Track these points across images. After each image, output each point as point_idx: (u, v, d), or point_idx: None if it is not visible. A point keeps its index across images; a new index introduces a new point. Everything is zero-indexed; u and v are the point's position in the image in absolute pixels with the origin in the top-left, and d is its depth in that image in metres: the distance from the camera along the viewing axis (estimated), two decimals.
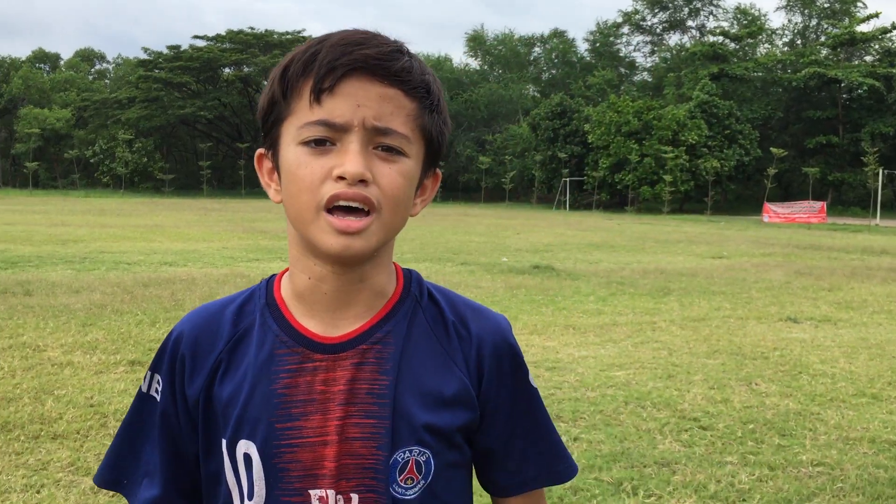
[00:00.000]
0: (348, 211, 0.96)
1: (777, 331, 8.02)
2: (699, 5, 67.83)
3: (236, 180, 67.40)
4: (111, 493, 3.57)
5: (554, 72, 73.16)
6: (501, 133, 62.64)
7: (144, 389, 1.12)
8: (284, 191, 1.01)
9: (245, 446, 1.02)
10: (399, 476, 1.03)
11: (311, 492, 1.01)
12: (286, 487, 1.01)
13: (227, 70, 66.78)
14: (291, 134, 0.98)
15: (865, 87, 49.18)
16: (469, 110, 63.56)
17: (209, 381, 1.06)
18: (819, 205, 38.27)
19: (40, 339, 6.70)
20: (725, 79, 54.09)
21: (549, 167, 55.06)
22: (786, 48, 63.25)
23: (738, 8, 65.64)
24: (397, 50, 0.98)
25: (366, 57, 0.95)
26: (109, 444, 1.17)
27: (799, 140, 53.67)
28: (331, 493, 1.01)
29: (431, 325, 1.09)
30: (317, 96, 0.95)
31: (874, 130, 48.95)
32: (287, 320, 1.06)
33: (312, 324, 1.05)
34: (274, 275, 1.13)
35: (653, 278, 12.07)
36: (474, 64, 74.58)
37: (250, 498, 1.03)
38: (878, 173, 38.78)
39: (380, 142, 0.96)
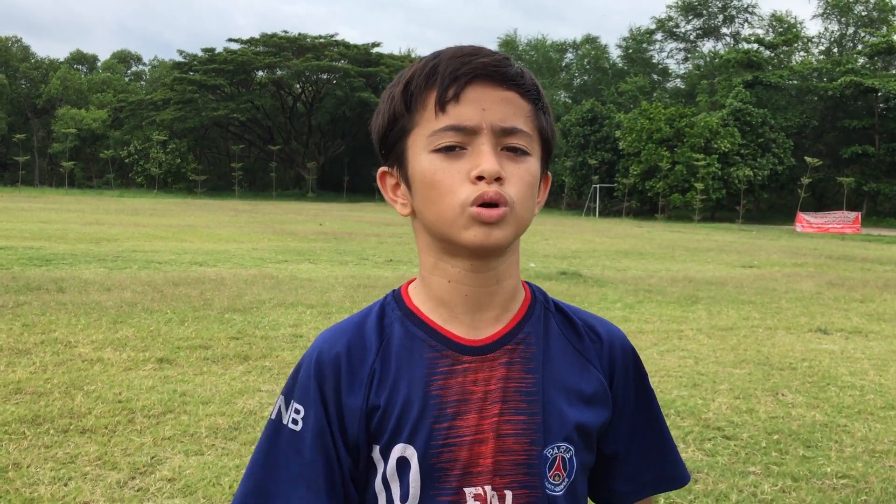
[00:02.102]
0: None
1: (806, 341, 7.93)
2: (734, 13, 67.22)
3: (267, 182, 67.95)
4: (137, 488, 3.64)
5: (586, 78, 72.85)
6: None
7: (284, 421, 1.09)
8: (421, 198, 1.05)
9: (402, 450, 1.05)
10: (548, 472, 1.07)
11: (467, 490, 1.04)
12: (443, 487, 1.04)
13: (260, 73, 67.34)
14: (420, 144, 1.03)
15: None
16: None
17: (367, 391, 1.08)
18: (853, 215, 37.69)
19: (72, 335, 6.82)
20: (760, 86, 53.52)
21: (579, 173, 54.83)
22: (822, 56, 62.42)
23: (773, 15, 64.95)
24: (506, 58, 1.05)
25: (484, 65, 1.01)
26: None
27: (834, 149, 52.95)
28: (487, 488, 1.04)
29: (563, 328, 1.15)
30: (442, 106, 1.01)
31: None
32: (431, 326, 1.10)
33: (454, 328, 1.09)
34: (396, 289, 1.16)
35: (681, 286, 11.98)
36: None
37: (404, 500, 1.05)
38: None
39: (507, 143, 1.02)
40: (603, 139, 53.81)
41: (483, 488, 1.04)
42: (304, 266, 13.22)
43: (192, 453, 4.14)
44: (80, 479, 3.75)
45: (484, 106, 1.00)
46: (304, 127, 71.40)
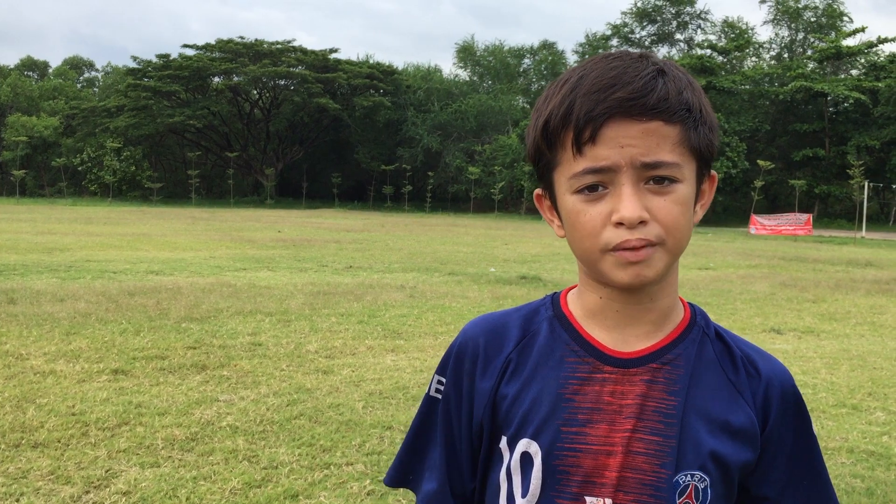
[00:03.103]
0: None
1: (760, 341, 8.07)
2: (687, 19, 68.26)
3: (225, 189, 67.21)
4: (92, 502, 3.58)
5: (543, 83, 73.35)
6: (491, 144, 62.75)
7: (430, 392, 1.19)
8: (568, 234, 1.05)
9: (526, 445, 1.06)
10: (678, 499, 1.03)
11: (588, 499, 1.03)
12: (563, 490, 1.04)
13: (216, 79, 66.59)
14: (564, 184, 1.02)
15: (851, 101, 49.58)
16: (459, 121, 63.67)
17: (499, 379, 1.11)
18: (805, 217, 38.46)
19: (23, 347, 6.68)
20: (713, 91, 54.37)
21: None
22: (773, 61, 63.68)
23: (725, 21, 66.09)
24: (651, 77, 0.97)
25: (620, 101, 0.95)
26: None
27: (786, 152, 54.01)
28: (608, 501, 1.03)
29: (719, 356, 1.11)
30: (579, 148, 0.98)
31: (860, 143, 49.29)
32: (577, 331, 1.10)
33: (602, 337, 1.09)
34: (557, 292, 1.18)
35: None
36: (464, 75, 74.77)
37: (523, 496, 1.06)
38: (863, 186, 39.01)
39: (651, 175, 0.97)
40: None
41: (604, 500, 1.03)
42: (263, 274, 13.11)
43: (147, 465, 4.08)
44: (32, 495, 3.67)
45: (622, 143, 0.96)
46: (262, 133, 70.80)
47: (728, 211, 54.30)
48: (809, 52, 59.91)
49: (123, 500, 3.66)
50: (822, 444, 4.76)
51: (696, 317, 1.13)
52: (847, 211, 48.84)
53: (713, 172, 1.09)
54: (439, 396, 1.17)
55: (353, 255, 17.30)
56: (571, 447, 1.04)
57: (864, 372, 6.82)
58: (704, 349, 1.10)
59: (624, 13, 70.52)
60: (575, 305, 1.13)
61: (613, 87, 0.96)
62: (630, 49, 1.07)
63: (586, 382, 1.06)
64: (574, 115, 0.97)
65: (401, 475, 1.21)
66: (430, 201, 61.65)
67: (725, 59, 59.94)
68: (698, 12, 67.66)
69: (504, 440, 1.09)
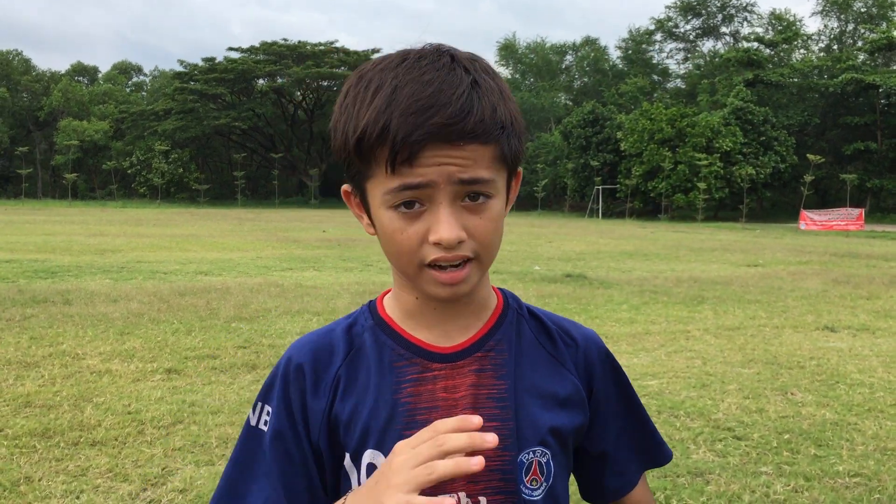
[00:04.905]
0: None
1: (814, 340, 7.91)
2: (733, 12, 67.27)
3: (270, 190, 68.04)
4: (149, 499, 3.64)
5: (586, 80, 72.96)
6: (534, 141, 62.56)
7: (253, 423, 1.12)
8: (384, 245, 1.04)
9: (371, 456, 1.05)
10: (525, 477, 1.07)
11: (443, 497, 1.02)
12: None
13: (260, 81, 67.48)
14: (378, 198, 1.00)
15: None
16: None
17: (332, 397, 1.08)
18: (857, 212, 37.64)
19: (79, 347, 6.83)
20: (760, 85, 53.52)
21: (581, 175, 54.85)
22: (822, 53, 62.44)
23: (772, 13, 64.98)
24: (467, 96, 0.95)
25: (439, 127, 0.93)
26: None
27: (836, 146, 52.92)
28: (462, 495, 1.04)
29: (536, 333, 1.15)
30: (394, 169, 0.95)
31: None
32: (400, 334, 1.10)
33: (425, 336, 1.10)
34: (372, 300, 1.18)
35: (686, 287, 11.97)
36: (506, 72, 74.59)
37: None
38: None
39: (467, 191, 0.97)
40: (604, 141, 53.82)
41: (458, 495, 1.04)
42: (309, 273, 13.23)
43: (202, 464, 4.15)
44: (91, 492, 3.75)
45: (440, 161, 0.94)
46: (306, 134, 71.50)
47: (777, 206, 53.40)
48: (860, 44, 58.57)
49: (180, 497, 3.72)
50: (881, 444, 4.66)
51: (508, 300, 1.16)
52: None
53: (518, 169, 1.09)
54: (265, 428, 1.09)
55: None
56: None
57: None
58: (522, 329, 1.14)
59: (668, 7, 69.65)
60: (393, 309, 1.13)
61: (431, 108, 0.93)
62: (431, 42, 1.02)
63: (418, 383, 1.07)
64: (391, 136, 0.93)
65: None
66: None
67: (773, 52, 58.92)
68: (744, 4, 66.70)
69: (347, 457, 1.07)
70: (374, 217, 1.03)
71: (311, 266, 14.48)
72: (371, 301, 1.17)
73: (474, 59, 1.02)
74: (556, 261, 16.55)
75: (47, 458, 4.17)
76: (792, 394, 5.76)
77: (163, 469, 4.05)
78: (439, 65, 0.97)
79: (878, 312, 9.83)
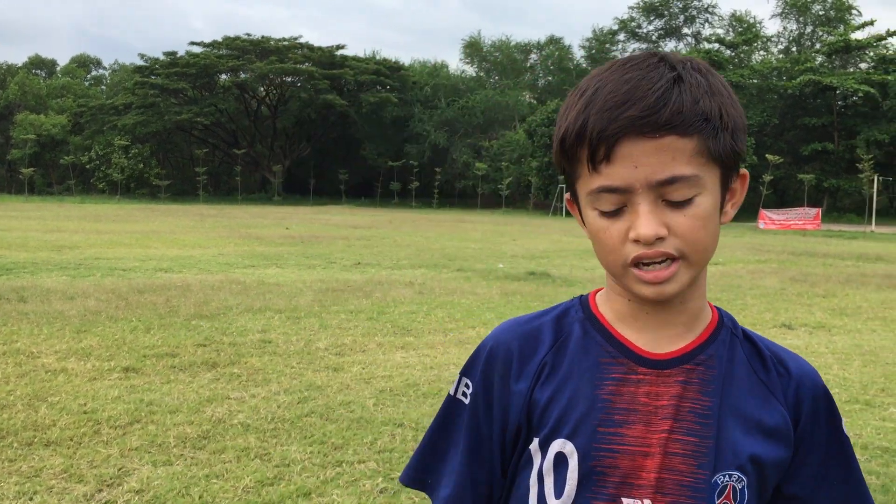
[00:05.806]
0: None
1: (771, 337, 7.97)
2: (694, 13, 68.06)
3: (233, 186, 67.34)
4: (105, 500, 3.58)
5: (550, 78, 73.26)
6: (498, 139, 62.72)
7: (452, 393, 1.18)
8: (593, 245, 1.06)
9: (560, 445, 1.06)
10: (717, 499, 1.04)
11: (625, 500, 1.03)
12: (599, 491, 1.04)
13: (223, 76, 66.69)
14: (584, 198, 1.03)
15: (860, 94, 49.39)
16: (465, 116, 63.62)
17: (534, 382, 1.10)
18: (814, 211, 38.30)
19: (34, 345, 6.70)
20: None
21: (545, 173, 55.11)
22: (781, 55, 63.44)
23: (733, 15, 65.91)
24: (666, 89, 0.96)
25: (632, 120, 0.94)
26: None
27: (794, 147, 53.83)
28: (647, 502, 1.03)
29: (749, 357, 1.12)
30: (594, 167, 0.98)
31: (869, 137, 49.09)
32: (610, 333, 1.10)
33: (634, 338, 1.09)
34: (584, 295, 1.18)
35: None
36: (471, 70, 74.70)
37: (557, 497, 1.05)
38: (873, 180, 38.92)
39: (667, 193, 0.97)
40: None
41: (642, 501, 1.03)
42: (272, 271, 13.12)
43: (160, 464, 4.09)
44: (45, 493, 3.68)
45: (636, 162, 0.95)
46: (269, 130, 70.90)
47: None
48: (818, 46, 59.64)
49: (136, 498, 3.66)
50: None
51: (724, 318, 1.13)
52: (856, 205, 48.64)
53: (743, 171, 1.08)
54: (465, 400, 1.15)
55: (361, 252, 17.30)
56: (608, 448, 1.04)
57: (877, 367, 6.79)
58: (735, 350, 1.11)
59: (631, 7, 70.25)
60: (605, 308, 1.13)
61: (626, 103, 0.95)
62: (651, 50, 1.05)
63: (622, 384, 1.06)
64: (588, 133, 0.97)
65: (418, 475, 1.20)
66: (437, 197, 61.64)
67: (733, 54, 59.76)
68: (706, 6, 67.51)
69: (536, 442, 1.08)
70: (584, 217, 1.06)
71: (274, 263, 14.37)
72: (583, 295, 1.18)
73: (687, 60, 1.01)
74: (520, 258, 16.61)
75: (0, 458, 4.08)
76: None
77: (119, 469, 3.98)
78: (644, 65, 0.99)
79: (833, 310, 10.02)
